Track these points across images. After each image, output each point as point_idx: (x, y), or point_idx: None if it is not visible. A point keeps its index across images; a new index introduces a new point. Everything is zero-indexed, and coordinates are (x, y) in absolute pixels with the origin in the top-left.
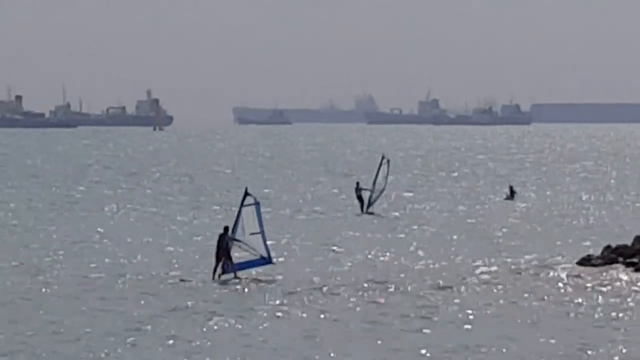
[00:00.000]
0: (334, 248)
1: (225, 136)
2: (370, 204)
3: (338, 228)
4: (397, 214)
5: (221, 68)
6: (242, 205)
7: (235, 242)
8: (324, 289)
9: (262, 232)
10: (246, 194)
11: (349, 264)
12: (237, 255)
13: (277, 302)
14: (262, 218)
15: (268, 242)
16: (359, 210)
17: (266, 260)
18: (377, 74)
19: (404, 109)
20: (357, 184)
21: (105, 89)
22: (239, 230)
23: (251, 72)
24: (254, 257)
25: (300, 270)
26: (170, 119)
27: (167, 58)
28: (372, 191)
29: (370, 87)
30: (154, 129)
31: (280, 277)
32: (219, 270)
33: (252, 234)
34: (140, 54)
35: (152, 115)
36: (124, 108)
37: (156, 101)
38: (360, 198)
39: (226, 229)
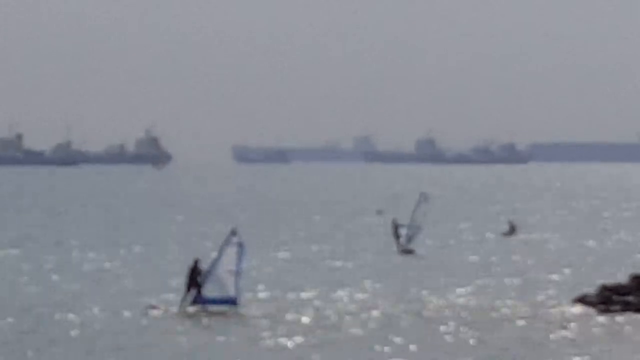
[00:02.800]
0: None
1: (224, 175)
2: (409, 240)
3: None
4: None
5: (221, 106)
6: (225, 243)
7: (205, 276)
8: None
9: (238, 273)
10: (232, 233)
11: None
12: (208, 289)
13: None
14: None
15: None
16: (395, 247)
17: (233, 301)
18: (375, 113)
19: (402, 147)
20: (394, 220)
21: (105, 127)
22: (217, 265)
23: (250, 111)
24: (222, 295)
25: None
26: (169, 157)
27: (167, 96)
28: (410, 228)
29: (369, 126)
30: (153, 167)
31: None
32: (187, 300)
33: (228, 271)
34: (140, 92)
35: (152, 153)
36: (123, 146)
37: (155, 139)
38: (397, 234)
39: (197, 261)
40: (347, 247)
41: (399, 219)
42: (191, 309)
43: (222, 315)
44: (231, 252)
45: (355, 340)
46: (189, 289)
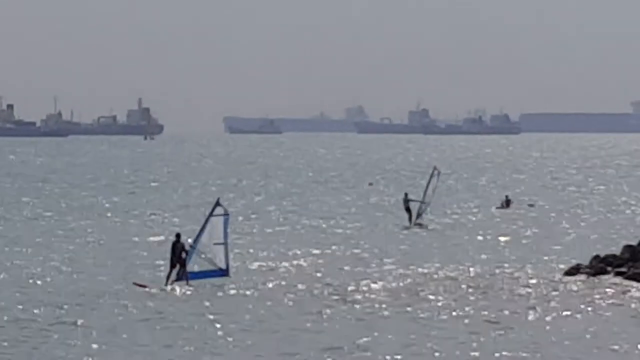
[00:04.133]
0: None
1: (216, 144)
2: (418, 215)
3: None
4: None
5: (212, 77)
6: (211, 214)
7: (192, 250)
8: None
9: (226, 244)
10: (217, 204)
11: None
12: (195, 264)
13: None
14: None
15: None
16: (407, 222)
17: (223, 272)
18: (367, 83)
19: (393, 118)
20: (406, 195)
21: (97, 98)
22: (203, 238)
23: (242, 82)
24: (211, 268)
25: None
26: (161, 128)
27: (159, 67)
28: (422, 202)
29: (361, 97)
30: (145, 138)
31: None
32: (172, 276)
33: (216, 244)
34: (132, 63)
35: (143, 124)
36: (114, 117)
37: (147, 110)
38: (408, 209)
39: (178, 235)
40: (337, 218)
41: (410, 194)
42: (177, 285)
43: (211, 288)
44: (217, 223)
45: (344, 309)
46: (173, 265)
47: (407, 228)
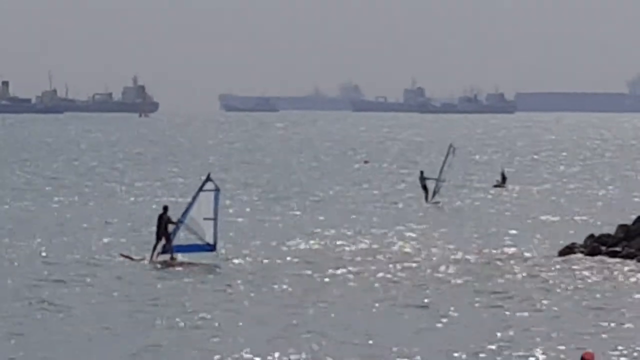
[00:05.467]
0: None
1: (210, 123)
2: (435, 193)
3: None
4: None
5: (208, 55)
6: (200, 189)
7: (180, 223)
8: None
9: (215, 219)
10: (207, 179)
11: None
12: (182, 237)
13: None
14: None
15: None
16: (423, 200)
17: (210, 247)
18: (362, 62)
19: (389, 97)
20: (422, 172)
21: (92, 75)
22: (192, 212)
23: (238, 60)
24: (198, 242)
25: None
26: (156, 106)
27: (154, 45)
28: (438, 180)
29: (356, 75)
30: (140, 116)
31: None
32: (158, 249)
33: (205, 219)
34: (127, 41)
35: (138, 102)
36: (110, 94)
37: (142, 88)
38: (425, 187)
39: (165, 208)
40: (332, 195)
41: (426, 172)
42: (162, 258)
43: (198, 263)
44: (207, 198)
45: (341, 288)
46: (159, 237)
47: (423, 205)
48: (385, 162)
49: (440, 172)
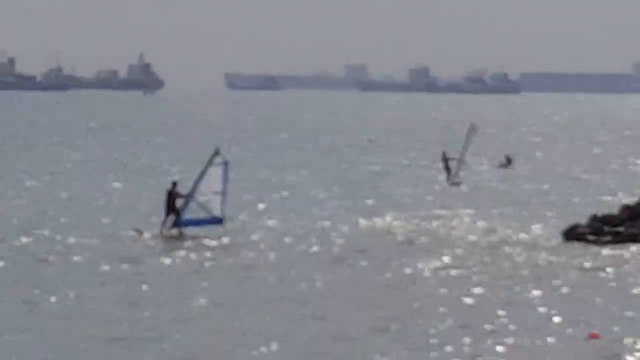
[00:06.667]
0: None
1: (215, 101)
2: (456, 173)
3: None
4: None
5: (214, 33)
6: (209, 163)
7: (189, 198)
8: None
9: (223, 193)
10: (216, 152)
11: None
12: (191, 211)
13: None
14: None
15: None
16: (444, 178)
17: (217, 220)
18: (369, 41)
19: (395, 77)
20: (444, 152)
21: (98, 52)
22: (201, 186)
23: (244, 38)
24: (206, 216)
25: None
26: (161, 84)
27: (160, 22)
28: (460, 160)
29: (362, 55)
30: (144, 93)
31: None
32: (168, 224)
33: (214, 192)
34: (133, 18)
35: (144, 80)
36: (115, 72)
37: (148, 65)
38: (447, 167)
39: (174, 183)
40: (333, 174)
41: (448, 152)
42: (173, 232)
43: (205, 237)
44: (215, 172)
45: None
46: (168, 212)
47: (443, 186)
48: (390, 141)
49: (462, 151)
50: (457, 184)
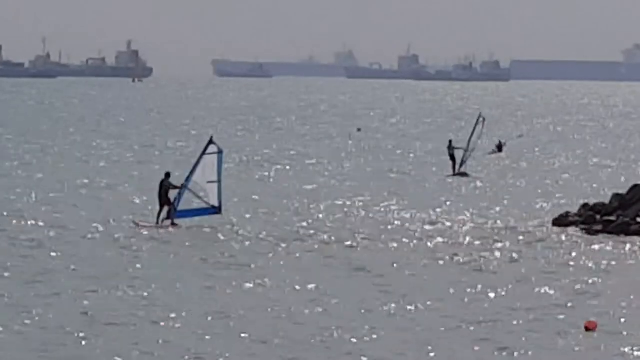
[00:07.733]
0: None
1: (203, 89)
2: (462, 163)
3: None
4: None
5: (202, 20)
6: (204, 152)
7: (184, 188)
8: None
9: (219, 182)
10: (210, 142)
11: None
12: (187, 201)
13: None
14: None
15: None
16: (450, 170)
17: (215, 210)
18: (357, 28)
19: (383, 64)
20: (450, 142)
21: (86, 39)
22: (196, 176)
23: (232, 25)
24: (203, 206)
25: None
26: (150, 71)
27: (148, 9)
28: (466, 150)
29: (350, 42)
30: (133, 81)
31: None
32: (163, 215)
33: (209, 182)
34: (121, 5)
35: (132, 67)
36: (103, 59)
37: (136, 53)
38: (452, 157)
39: (167, 174)
40: (326, 161)
41: (455, 142)
42: (167, 223)
43: (201, 226)
44: (210, 161)
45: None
46: (161, 204)
47: (449, 176)
48: (378, 131)
49: (469, 142)
50: (464, 174)
